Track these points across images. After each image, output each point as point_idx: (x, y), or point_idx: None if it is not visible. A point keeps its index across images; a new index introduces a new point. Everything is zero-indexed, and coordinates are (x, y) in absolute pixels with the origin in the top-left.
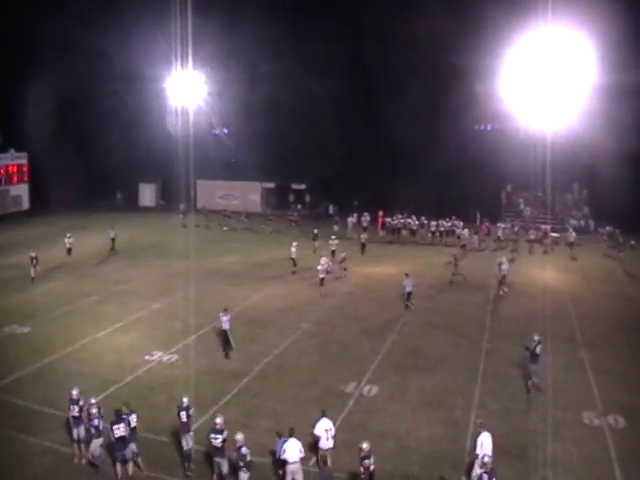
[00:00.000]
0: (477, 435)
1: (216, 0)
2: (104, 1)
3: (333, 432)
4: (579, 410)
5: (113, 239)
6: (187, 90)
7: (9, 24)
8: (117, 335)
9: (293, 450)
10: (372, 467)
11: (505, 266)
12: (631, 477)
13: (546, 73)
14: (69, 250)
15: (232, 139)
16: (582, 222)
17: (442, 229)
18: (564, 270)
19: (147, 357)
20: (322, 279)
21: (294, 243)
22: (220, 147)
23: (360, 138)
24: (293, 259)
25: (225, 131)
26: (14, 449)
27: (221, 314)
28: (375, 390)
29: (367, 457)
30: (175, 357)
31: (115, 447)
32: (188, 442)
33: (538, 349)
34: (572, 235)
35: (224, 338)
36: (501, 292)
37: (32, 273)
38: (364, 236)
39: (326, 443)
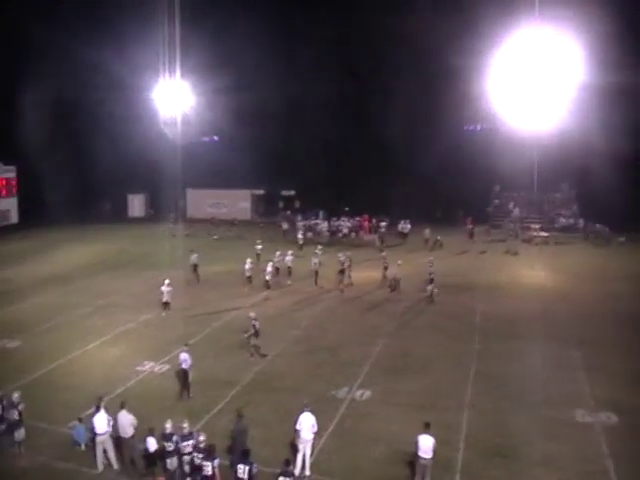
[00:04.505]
0: (300, 413)
1: (203, 8)
2: (91, 10)
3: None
4: (571, 408)
5: (195, 265)
6: (175, 99)
7: None
8: (107, 347)
9: (101, 422)
10: None
11: (315, 260)
12: (625, 474)
13: (535, 73)
14: (166, 304)
15: (221, 147)
16: (572, 220)
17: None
18: (553, 269)
19: (138, 368)
20: (249, 277)
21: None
22: (209, 155)
23: (349, 142)
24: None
25: (215, 138)
26: (5, 466)
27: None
28: (367, 394)
29: None
30: (166, 367)
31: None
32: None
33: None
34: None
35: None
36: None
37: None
38: (300, 236)
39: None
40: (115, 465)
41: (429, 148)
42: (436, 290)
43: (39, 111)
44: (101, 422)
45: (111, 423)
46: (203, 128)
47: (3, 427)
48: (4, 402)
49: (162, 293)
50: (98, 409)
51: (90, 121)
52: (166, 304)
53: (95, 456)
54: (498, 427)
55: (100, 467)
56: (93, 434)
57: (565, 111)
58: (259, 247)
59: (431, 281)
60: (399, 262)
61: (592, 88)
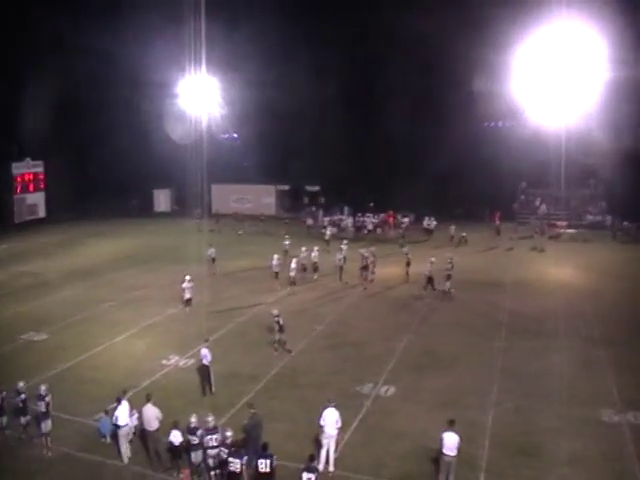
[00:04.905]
0: (324, 408)
1: (224, 5)
2: (117, 6)
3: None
4: (597, 407)
5: (213, 259)
6: (200, 95)
7: (19, 31)
8: (133, 340)
9: (122, 415)
10: None
11: (340, 255)
12: None
13: (558, 68)
14: (188, 300)
15: (244, 142)
16: (599, 217)
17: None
18: (579, 267)
19: (164, 362)
20: (276, 273)
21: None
22: (233, 151)
23: (374, 138)
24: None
25: (234, 135)
26: (32, 455)
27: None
28: (392, 391)
29: None
30: (192, 361)
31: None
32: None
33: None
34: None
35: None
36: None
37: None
38: (329, 232)
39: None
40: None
41: (452, 145)
42: (448, 284)
43: (65, 107)
44: (122, 415)
45: (135, 417)
46: (227, 124)
47: (28, 418)
48: (21, 395)
49: (183, 290)
50: (119, 402)
51: (116, 117)
52: (188, 300)
53: (119, 449)
54: (523, 425)
55: (125, 459)
56: (115, 426)
57: (591, 107)
58: (287, 243)
59: (448, 277)
60: (432, 259)
61: (617, 83)
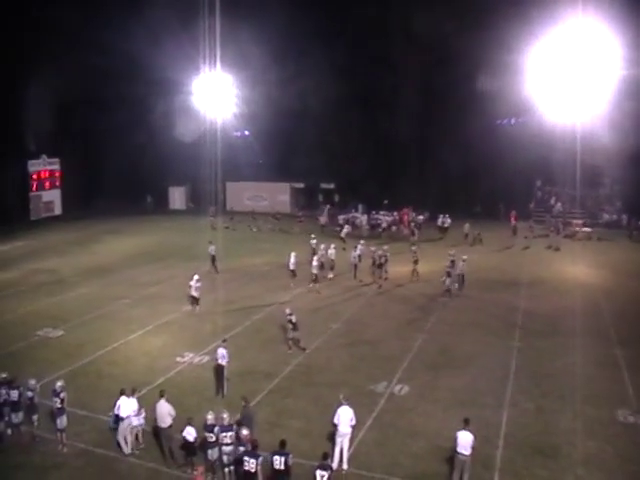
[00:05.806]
0: (338, 406)
1: (239, 3)
2: (132, 3)
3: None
4: (613, 408)
5: (213, 256)
6: (215, 93)
7: (34, 28)
8: (148, 337)
9: (126, 407)
10: None
11: (355, 253)
12: None
13: (571, 66)
14: (196, 299)
15: (259, 140)
16: (615, 216)
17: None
18: (595, 266)
19: (178, 359)
20: (293, 271)
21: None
22: (247, 149)
23: (389, 136)
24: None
25: (246, 133)
26: (47, 451)
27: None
28: (406, 389)
29: None
30: (206, 358)
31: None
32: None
33: (450, 263)
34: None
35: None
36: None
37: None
38: (345, 230)
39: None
40: (126, 449)
41: (467, 142)
42: (448, 281)
43: (81, 105)
44: (124, 407)
45: (142, 416)
46: (241, 122)
47: (36, 416)
48: (28, 392)
49: (190, 287)
50: (122, 394)
51: (132, 115)
52: (195, 299)
53: (126, 443)
54: (539, 425)
55: (127, 451)
56: (116, 418)
57: (605, 105)
58: (314, 242)
59: (448, 274)
60: (464, 257)
61: (633, 82)
